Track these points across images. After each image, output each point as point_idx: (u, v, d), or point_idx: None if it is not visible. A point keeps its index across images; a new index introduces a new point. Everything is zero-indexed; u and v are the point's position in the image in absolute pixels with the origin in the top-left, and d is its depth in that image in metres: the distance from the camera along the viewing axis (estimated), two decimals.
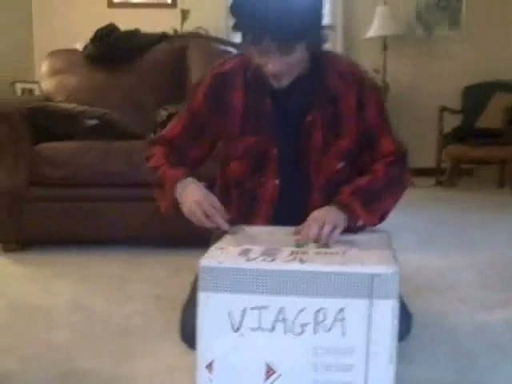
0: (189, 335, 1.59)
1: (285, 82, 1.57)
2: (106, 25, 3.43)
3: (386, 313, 1.24)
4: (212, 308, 1.28)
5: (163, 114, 3.03)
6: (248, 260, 1.28)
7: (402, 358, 1.29)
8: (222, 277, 1.27)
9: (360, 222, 1.55)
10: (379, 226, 1.61)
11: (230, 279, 1.26)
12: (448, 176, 4.87)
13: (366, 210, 1.55)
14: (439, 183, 5.06)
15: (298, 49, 1.50)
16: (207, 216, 1.53)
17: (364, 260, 1.28)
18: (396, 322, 1.25)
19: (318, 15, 1.53)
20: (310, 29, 1.49)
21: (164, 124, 3.01)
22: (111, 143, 2.80)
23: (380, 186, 1.61)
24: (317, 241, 1.44)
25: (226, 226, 1.53)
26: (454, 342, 1.74)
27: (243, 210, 1.71)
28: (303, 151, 1.65)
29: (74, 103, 3.08)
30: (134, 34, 3.47)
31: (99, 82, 3.35)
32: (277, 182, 1.66)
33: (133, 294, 2.21)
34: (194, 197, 1.56)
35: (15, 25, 5.10)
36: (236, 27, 1.53)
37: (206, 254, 1.33)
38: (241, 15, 1.49)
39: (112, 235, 2.84)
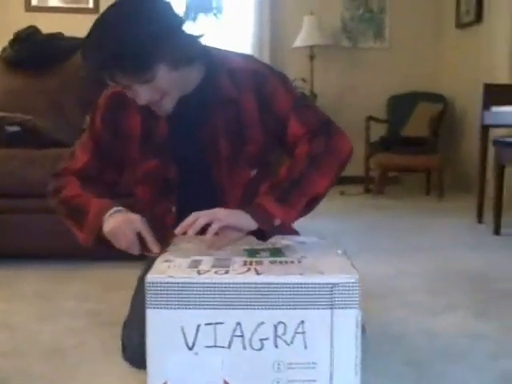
0: (133, 353, 1.49)
1: (167, 107, 1.44)
2: (27, 27, 3.24)
3: (349, 323, 1.18)
4: (163, 326, 1.17)
5: (89, 120, 2.87)
6: (199, 273, 1.18)
7: None
8: (172, 292, 1.16)
9: (278, 221, 1.39)
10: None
11: (181, 294, 1.16)
12: (376, 184, 4.94)
13: (283, 204, 1.39)
14: (368, 191, 5.12)
15: (158, 71, 1.35)
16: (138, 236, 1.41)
17: (322, 269, 1.21)
18: (359, 333, 1.19)
19: (159, 31, 1.34)
20: (156, 47, 1.33)
21: None
22: (35, 151, 2.63)
23: (300, 169, 1.44)
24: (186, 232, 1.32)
25: (156, 248, 1.39)
26: (402, 351, 1.69)
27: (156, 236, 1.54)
28: (212, 164, 1.54)
29: None
30: (57, 37, 3.29)
31: (19, 87, 3.15)
32: (173, 208, 1.55)
33: (63, 311, 2.06)
34: (125, 217, 1.43)
35: None
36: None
37: (153, 269, 1.22)
38: (83, 65, 1.39)
39: (37, 249, 2.66)
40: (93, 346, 1.73)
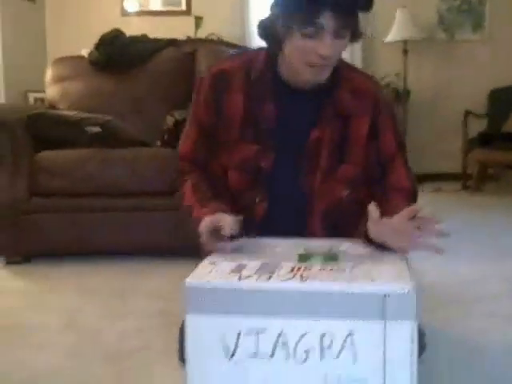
0: None
1: (325, 74, 1.41)
2: (111, 30, 3.31)
3: (403, 336, 1.07)
4: (202, 332, 1.12)
5: (170, 120, 2.89)
6: (240, 278, 1.11)
7: None
8: (211, 298, 1.11)
9: None
10: None
11: (220, 300, 1.11)
12: (475, 181, 4.67)
13: None
14: (466, 188, 4.85)
15: (348, 34, 1.37)
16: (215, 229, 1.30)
17: (375, 276, 1.11)
18: (415, 348, 1.08)
19: None
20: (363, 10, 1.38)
21: (171, 131, 2.89)
22: (114, 151, 2.67)
23: None
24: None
25: (227, 231, 1.27)
26: (481, 365, 1.55)
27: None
28: (307, 171, 1.48)
29: (78, 110, 2.96)
30: (141, 39, 3.34)
31: (104, 88, 3.22)
32: (265, 204, 1.48)
33: (134, 310, 2.06)
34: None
35: (29, 33, 5.05)
36: (282, 6, 1.36)
37: (194, 272, 1.17)
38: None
39: (115, 246, 2.70)
40: (156, 349, 1.70)
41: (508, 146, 4.57)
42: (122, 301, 2.16)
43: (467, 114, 4.97)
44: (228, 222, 1.29)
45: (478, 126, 5.01)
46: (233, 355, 1.11)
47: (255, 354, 1.10)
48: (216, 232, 1.30)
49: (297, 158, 1.48)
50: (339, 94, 1.48)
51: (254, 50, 1.55)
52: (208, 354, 1.12)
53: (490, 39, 5.35)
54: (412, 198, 1.52)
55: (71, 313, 2.04)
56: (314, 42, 1.33)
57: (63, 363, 1.62)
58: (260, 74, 1.46)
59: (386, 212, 1.33)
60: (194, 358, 1.13)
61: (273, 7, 1.40)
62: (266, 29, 1.42)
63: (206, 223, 1.32)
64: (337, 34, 1.33)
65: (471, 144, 4.85)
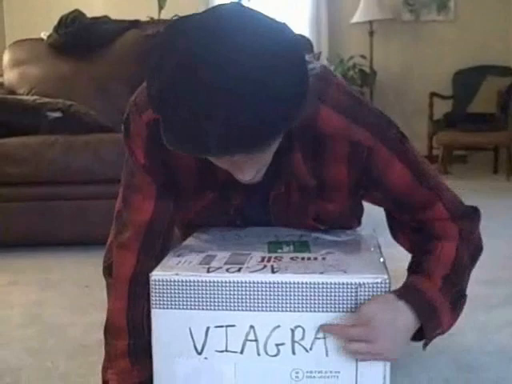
0: None
1: (259, 176, 1.05)
2: (71, 11, 3.20)
3: None
4: (170, 327, 1.08)
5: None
6: (209, 270, 1.07)
7: (394, 370, 1.07)
8: (178, 291, 1.06)
9: (439, 331, 1.12)
10: (364, 225, 1.40)
11: (188, 294, 1.06)
12: (440, 163, 4.69)
13: (454, 311, 1.14)
14: None
15: (275, 141, 0.96)
16: None
17: (347, 267, 1.08)
18: None
19: (303, 89, 0.90)
20: (292, 117, 0.91)
21: None
22: (77, 137, 2.59)
23: (465, 267, 1.17)
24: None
25: None
26: (454, 350, 1.54)
27: None
28: (278, 216, 1.30)
29: (38, 95, 2.87)
30: (102, 20, 3.24)
31: (65, 72, 3.13)
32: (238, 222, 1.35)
33: (100, 303, 1.99)
34: None
35: None
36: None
37: (161, 264, 1.12)
38: (179, 126, 0.88)
39: (80, 236, 2.63)
40: None
41: (472, 127, 4.61)
42: (87, 293, 2.10)
43: (432, 95, 4.99)
44: None
45: (443, 108, 5.04)
46: (201, 351, 1.07)
47: (225, 350, 1.06)
48: None
49: (265, 205, 1.27)
50: (294, 160, 1.16)
51: None
52: (176, 348, 1.08)
53: (455, 20, 5.37)
54: (463, 221, 1.23)
55: (34, 306, 1.98)
56: (230, 167, 1.01)
57: (28, 357, 1.57)
58: None
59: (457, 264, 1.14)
60: (161, 354, 1.09)
61: None
62: None
63: None
64: (252, 157, 0.96)
65: (437, 126, 4.87)
